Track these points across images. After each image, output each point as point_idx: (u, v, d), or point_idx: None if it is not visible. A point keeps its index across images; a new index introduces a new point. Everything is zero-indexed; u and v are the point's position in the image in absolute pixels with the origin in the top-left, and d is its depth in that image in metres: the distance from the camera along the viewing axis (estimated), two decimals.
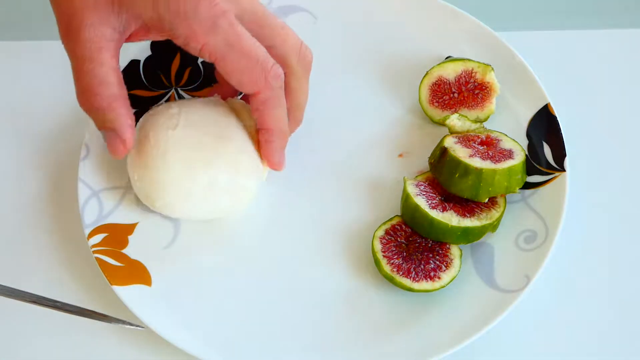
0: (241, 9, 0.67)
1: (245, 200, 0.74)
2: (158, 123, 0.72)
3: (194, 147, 0.71)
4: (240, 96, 0.78)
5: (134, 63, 0.82)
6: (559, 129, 0.77)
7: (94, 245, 0.74)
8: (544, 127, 0.77)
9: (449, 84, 0.80)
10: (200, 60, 0.83)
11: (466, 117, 0.78)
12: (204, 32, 0.65)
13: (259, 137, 0.73)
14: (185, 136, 0.71)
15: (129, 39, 0.68)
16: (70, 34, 0.65)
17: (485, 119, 0.79)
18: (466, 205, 0.73)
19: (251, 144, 0.73)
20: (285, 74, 0.71)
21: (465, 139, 0.75)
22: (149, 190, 0.72)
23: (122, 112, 0.67)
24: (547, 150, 0.76)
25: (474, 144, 0.75)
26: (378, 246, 0.73)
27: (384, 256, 0.72)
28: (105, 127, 0.68)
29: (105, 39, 0.66)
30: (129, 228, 0.76)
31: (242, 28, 0.67)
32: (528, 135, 0.78)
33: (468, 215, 0.72)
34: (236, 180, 0.72)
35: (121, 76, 0.67)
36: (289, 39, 0.71)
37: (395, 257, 0.72)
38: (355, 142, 0.80)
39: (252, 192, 0.73)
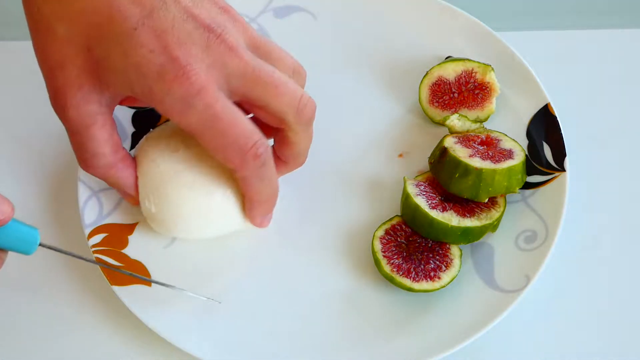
0: (226, 74, 0.64)
1: None
2: (160, 147, 0.72)
3: (201, 167, 0.71)
4: None
5: None
6: (559, 129, 0.77)
7: (94, 245, 0.74)
8: (544, 127, 0.77)
9: (449, 84, 0.80)
10: None
11: (466, 117, 0.78)
12: (178, 113, 0.63)
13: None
14: (190, 157, 0.71)
15: (121, 103, 0.69)
16: (58, 109, 0.66)
17: (485, 119, 0.79)
18: (466, 205, 0.73)
19: None
20: (283, 129, 0.69)
21: (465, 139, 0.75)
22: (167, 218, 0.72)
23: (120, 176, 0.70)
24: (547, 150, 0.76)
25: (474, 144, 0.75)
26: (378, 246, 0.73)
27: (384, 256, 0.72)
28: (111, 185, 0.71)
29: (91, 115, 0.66)
30: (129, 228, 0.76)
31: (221, 103, 0.63)
32: (528, 135, 0.78)
33: (468, 215, 0.72)
34: None
35: (117, 140, 0.68)
36: (285, 96, 0.66)
37: (395, 257, 0.72)
38: (355, 142, 0.80)
39: None
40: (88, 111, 0.65)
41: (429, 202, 0.73)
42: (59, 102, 0.65)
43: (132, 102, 0.69)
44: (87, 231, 0.75)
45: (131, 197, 0.72)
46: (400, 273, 0.71)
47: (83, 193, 0.76)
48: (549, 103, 0.78)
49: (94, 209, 0.76)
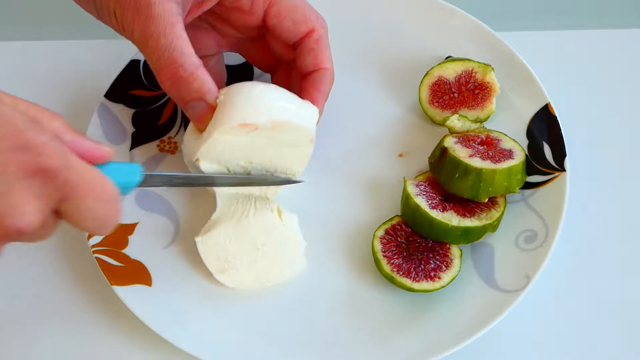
0: None
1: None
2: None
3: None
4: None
5: (134, 63, 0.82)
6: (559, 129, 0.77)
7: (94, 245, 0.74)
8: (544, 127, 0.77)
9: (449, 84, 0.80)
10: None
11: (466, 117, 0.78)
12: None
13: (308, 80, 0.73)
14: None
15: (187, 18, 0.70)
16: (140, 14, 0.66)
17: (486, 119, 0.79)
18: (466, 205, 0.73)
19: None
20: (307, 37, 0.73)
21: (465, 139, 0.75)
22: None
23: (206, 79, 0.68)
24: (547, 150, 0.76)
25: (474, 144, 0.75)
26: (378, 246, 0.73)
27: (384, 256, 0.72)
28: (191, 99, 0.69)
29: (175, 14, 0.67)
30: (129, 228, 0.76)
31: None
32: (528, 135, 0.78)
33: (468, 215, 0.72)
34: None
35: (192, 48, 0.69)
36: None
37: (396, 257, 0.72)
38: (355, 142, 0.80)
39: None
40: (172, 9, 0.67)
41: (429, 202, 0.73)
42: (142, 6, 0.66)
43: (197, 8, 0.71)
44: None
45: (208, 114, 0.69)
46: (401, 273, 0.71)
47: None
48: (549, 103, 0.78)
49: None
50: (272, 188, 0.74)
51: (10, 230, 0.53)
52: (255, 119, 0.68)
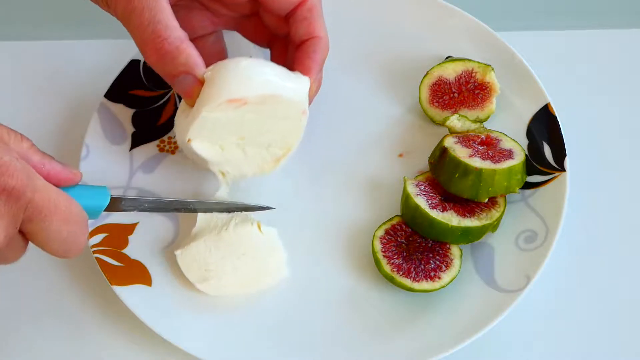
0: None
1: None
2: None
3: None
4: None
5: (134, 63, 0.82)
6: (559, 129, 0.76)
7: (94, 245, 0.74)
8: (544, 127, 0.77)
9: (449, 84, 0.80)
10: None
11: (466, 117, 0.78)
12: None
13: (302, 49, 0.72)
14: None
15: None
16: None
17: (485, 119, 0.79)
18: (466, 205, 0.73)
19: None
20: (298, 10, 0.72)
21: (465, 139, 0.75)
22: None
23: (192, 52, 0.67)
24: (547, 150, 0.76)
25: (474, 144, 0.75)
26: (378, 246, 0.73)
27: (384, 256, 0.72)
28: (178, 72, 0.67)
29: None
30: (129, 228, 0.76)
31: None
32: (528, 135, 0.78)
33: (468, 215, 0.72)
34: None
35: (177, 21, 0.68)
36: None
37: (396, 257, 0.72)
38: (355, 142, 0.80)
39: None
40: None
41: (429, 202, 0.73)
42: None
43: None
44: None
45: (196, 88, 0.68)
46: (401, 273, 0.71)
47: None
48: (549, 103, 0.78)
49: None
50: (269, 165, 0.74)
51: None
52: (243, 93, 0.67)
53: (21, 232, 0.57)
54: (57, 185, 0.58)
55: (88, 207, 0.61)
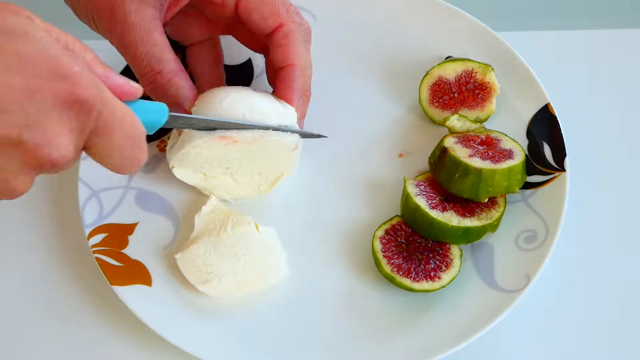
0: None
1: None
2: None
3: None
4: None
5: None
6: (559, 129, 0.77)
7: (94, 245, 0.74)
8: (544, 127, 0.77)
9: (449, 84, 0.80)
10: None
11: (466, 117, 0.78)
12: None
13: (280, 78, 0.72)
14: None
15: (166, 16, 0.70)
16: (116, 24, 0.67)
17: (485, 119, 0.79)
18: (466, 205, 0.73)
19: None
20: (278, 30, 0.72)
21: (465, 139, 0.75)
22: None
23: (182, 85, 0.70)
24: (547, 150, 0.76)
25: (474, 144, 0.75)
26: (378, 246, 0.73)
27: (384, 256, 0.72)
28: (169, 103, 0.68)
29: (152, 19, 0.67)
30: (129, 228, 0.76)
31: None
32: (528, 135, 0.78)
33: (468, 215, 0.72)
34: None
35: (173, 51, 0.70)
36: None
37: (396, 257, 0.72)
38: (355, 142, 0.80)
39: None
40: (148, 15, 0.67)
41: (429, 202, 0.73)
42: (118, 15, 0.66)
43: (174, 4, 0.70)
44: (87, 231, 0.75)
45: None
46: (401, 273, 0.71)
47: (83, 193, 0.76)
48: (549, 103, 0.78)
49: (94, 209, 0.76)
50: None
51: (44, 161, 0.51)
52: (232, 133, 0.69)
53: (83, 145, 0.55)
54: (119, 99, 0.56)
55: (147, 122, 0.60)
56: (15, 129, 0.49)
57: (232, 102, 0.70)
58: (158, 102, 0.64)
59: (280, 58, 0.71)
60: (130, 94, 0.58)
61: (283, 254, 0.74)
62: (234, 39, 0.79)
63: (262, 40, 0.74)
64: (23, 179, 0.52)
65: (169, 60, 0.69)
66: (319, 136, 0.74)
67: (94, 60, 0.56)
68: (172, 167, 0.73)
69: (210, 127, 0.69)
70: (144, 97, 0.61)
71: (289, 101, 0.72)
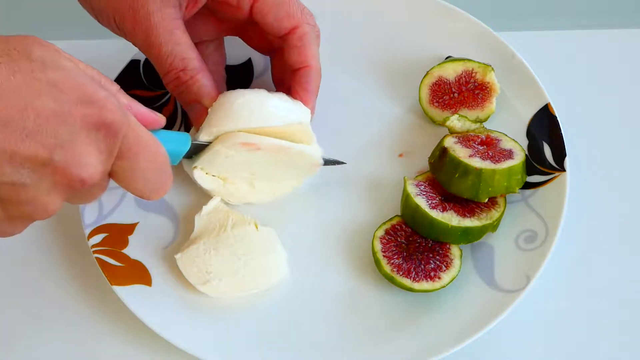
0: None
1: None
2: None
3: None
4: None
5: (134, 63, 0.82)
6: (559, 129, 0.77)
7: (94, 245, 0.74)
8: (544, 127, 0.77)
9: (449, 84, 0.80)
10: None
11: (466, 117, 0.78)
12: None
13: (296, 79, 0.74)
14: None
15: (185, 16, 0.71)
16: (140, 25, 0.68)
17: (485, 119, 0.79)
18: (466, 205, 0.73)
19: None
20: (293, 32, 0.73)
21: (465, 139, 0.75)
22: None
23: (205, 83, 0.71)
24: (547, 150, 0.76)
25: (474, 144, 0.75)
26: (378, 246, 0.73)
27: (384, 256, 0.72)
28: (191, 100, 0.72)
29: (174, 19, 0.69)
30: (129, 228, 0.76)
31: None
32: (528, 135, 0.78)
33: (468, 215, 0.72)
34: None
35: (195, 49, 0.71)
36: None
37: (396, 257, 0.72)
38: (355, 142, 0.80)
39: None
40: (170, 14, 0.68)
41: (429, 202, 0.73)
42: (141, 15, 0.68)
43: (193, 5, 0.71)
44: (87, 231, 0.75)
45: (204, 116, 0.72)
46: (401, 273, 0.71)
47: None
48: (549, 103, 0.78)
49: (94, 209, 0.76)
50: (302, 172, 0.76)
51: (74, 179, 0.54)
52: (255, 140, 0.70)
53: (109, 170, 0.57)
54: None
55: (170, 151, 0.62)
56: (47, 149, 0.52)
57: (244, 102, 0.71)
58: (181, 132, 0.67)
59: (296, 60, 0.73)
60: (155, 122, 0.62)
61: (283, 254, 0.74)
62: (232, 39, 0.79)
63: (274, 42, 0.76)
64: (54, 197, 0.54)
65: (192, 59, 0.70)
66: (338, 162, 0.76)
67: (119, 91, 0.60)
68: (194, 167, 0.73)
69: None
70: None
71: (305, 102, 0.73)
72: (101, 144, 0.54)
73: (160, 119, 0.63)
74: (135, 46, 0.71)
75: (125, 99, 0.61)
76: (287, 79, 0.76)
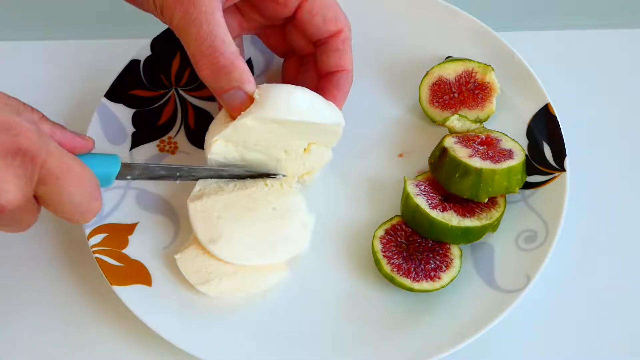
0: None
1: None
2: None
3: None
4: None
5: (134, 63, 0.82)
6: (559, 129, 0.77)
7: (94, 245, 0.74)
8: (544, 127, 0.77)
9: (449, 84, 0.80)
10: None
11: (466, 117, 0.78)
12: None
13: (332, 81, 0.74)
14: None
15: (225, 3, 0.70)
16: (182, 2, 0.66)
17: (486, 119, 0.79)
18: (466, 205, 0.73)
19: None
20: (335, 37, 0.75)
21: (465, 139, 0.75)
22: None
23: (245, 69, 0.68)
24: (547, 150, 0.76)
25: (474, 144, 0.75)
26: (378, 246, 0.73)
27: (384, 256, 0.72)
28: (230, 87, 0.68)
29: (215, 1, 0.67)
30: (129, 228, 0.76)
31: None
32: (528, 135, 0.78)
33: (468, 215, 0.72)
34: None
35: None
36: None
37: (396, 257, 0.72)
38: (355, 142, 0.80)
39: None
40: None
41: (429, 202, 0.73)
42: None
43: None
44: (87, 231, 0.75)
45: (247, 103, 0.69)
46: (401, 273, 0.71)
47: None
48: (549, 103, 0.78)
49: None
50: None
51: None
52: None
53: (34, 195, 0.57)
54: (69, 152, 0.59)
55: (100, 174, 0.62)
56: None
57: (300, 95, 0.70)
58: (110, 154, 0.66)
59: (336, 62, 0.74)
60: (81, 147, 0.62)
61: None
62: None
63: (311, 42, 0.75)
64: None
65: (232, 43, 0.68)
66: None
67: (42, 119, 0.60)
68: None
69: (170, 175, 0.71)
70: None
71: (339, 104, 0.74)
72: (18, 170, 0.54)
73: (87, 142, 0.62)
74: (171, 26, 0.68)
75: (48, 125, 0.60)
76: (309, 78, 0.76)
